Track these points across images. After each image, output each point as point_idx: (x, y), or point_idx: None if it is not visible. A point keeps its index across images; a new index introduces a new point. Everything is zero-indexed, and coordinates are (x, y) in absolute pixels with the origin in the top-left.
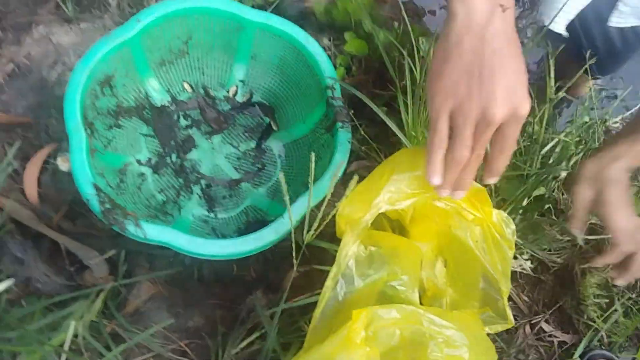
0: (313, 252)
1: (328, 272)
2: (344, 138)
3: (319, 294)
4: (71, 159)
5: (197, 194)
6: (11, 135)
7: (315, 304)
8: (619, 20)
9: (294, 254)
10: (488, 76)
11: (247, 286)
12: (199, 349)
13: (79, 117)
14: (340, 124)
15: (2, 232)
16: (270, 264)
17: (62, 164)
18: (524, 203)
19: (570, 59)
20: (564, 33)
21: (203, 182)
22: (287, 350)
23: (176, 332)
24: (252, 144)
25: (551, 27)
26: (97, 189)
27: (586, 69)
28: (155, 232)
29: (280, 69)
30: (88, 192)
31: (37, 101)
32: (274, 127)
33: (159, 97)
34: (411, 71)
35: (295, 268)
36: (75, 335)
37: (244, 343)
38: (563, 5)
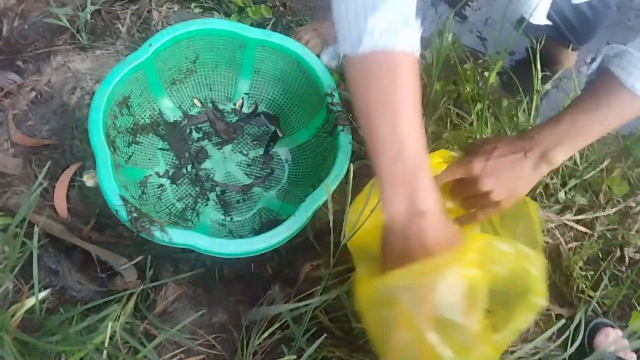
0: (324, 247)
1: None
2: (345, 140)
3: (331, 285)
4: (98, 175)
5: (213, 200)
6: (39, 157)
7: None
8: None
9: (331, 251)
10: None
11: (265, 282)
12: (225, 342)
13: (102, 136)
14: (340, 127)
15: (37, 246)
16: (285, 261)
17: (88, 180)
18: None
19: (554, 43)
20: (547, 22)
21: (218, 189)
22: (306, 338)
23: (203, 328)
24: (260, 151)
25: (532, 20)
26: (124, 200)
27: (568, 44)
28: (179, 236)
29: (282, 81)
30: (116, 203)
31: (60, 124)
32: (280, 134)
33: (172, 114)
34: None
35: (333, 260)
36: (111, 337)
37: (266, 334)
38: None
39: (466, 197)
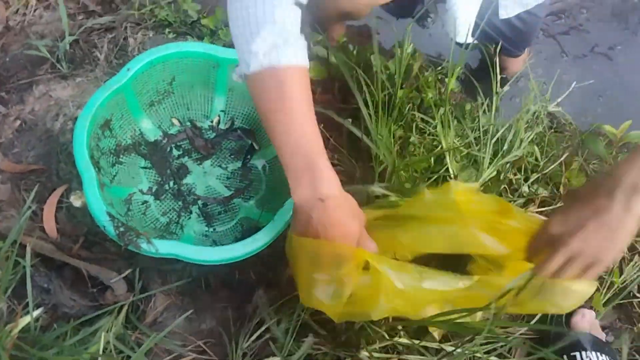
0: None
1: None
2: None
3: None
4: (85, 194)
5: (196, 213)
6: (27, 182)
7: None
8: (507, 12)
9: None
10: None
11: (250, 287)
12: (215, 347)
13: (87, 157)
14: None
15: (30, 264)
16: (267, 266)
17: (75, 201)
18: (480, 185)
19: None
20: (473, 41)
21: (200, 202)
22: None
23: (193, 334)
24: (239, 164)
25: (458, 39)
26: (111, 216)
27: (507, 53)
28: (165, 247)
29: None
30: (103, 219)
31: (45, 150)
32: (256, 147)
33: (152, 134)
34: (368, 85)
35: None
36: (105, 348)
37: (254, 336)
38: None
39: (556, 269)
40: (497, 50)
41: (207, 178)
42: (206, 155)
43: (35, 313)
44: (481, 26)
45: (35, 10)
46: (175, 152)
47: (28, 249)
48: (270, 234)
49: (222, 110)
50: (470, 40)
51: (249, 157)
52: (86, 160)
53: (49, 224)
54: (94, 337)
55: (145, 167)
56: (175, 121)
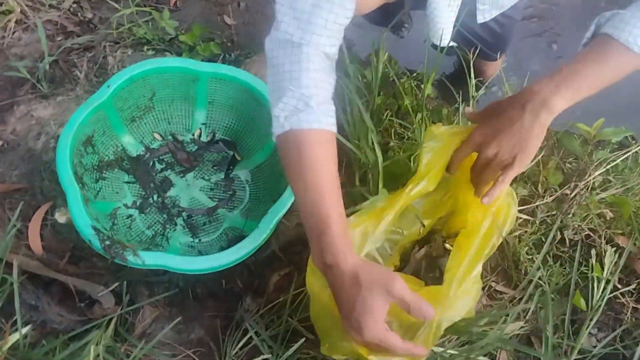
0: (290, 257)
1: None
2: None
3: (297, 292)
4: (70, 208)
5: (181, 224)
6: (11, 201)
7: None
8: (484, 16)
9: None
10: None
11: (237, 296)
12: (204, 356)
13: (71, 173)
14: None
15: (17, 280)
16: (254, 274)
17: (60, 217)
18: None
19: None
20: (453, 44)
21: (184, 214)
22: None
23: (182, 344)
24: (221, 175)
25: (436, 42)
26: (96, 229)
27: (485, 57)
28: (151, 258)
29: (235, 108)
30: (89, 233)
31: (28, 169)
32: (238, 158)
33: (134, 149)
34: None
35: None
36: None
37: (241, 343)
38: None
39: (480, 172)
40: (475, 54)
41: (190, 190)
42: (189, 168)
43: (24, 330)
44: (456, 29)
45: (14, 33)
46: (158, 166)
47: (14, 267)
48: (255, 242)
49: (203, 123)
50: (447, 44)
51: (231, 168)
52: (70, 177)
53: (35, 242)
54: (84, 351)
55: (128, 182)
56: (157, 135)
